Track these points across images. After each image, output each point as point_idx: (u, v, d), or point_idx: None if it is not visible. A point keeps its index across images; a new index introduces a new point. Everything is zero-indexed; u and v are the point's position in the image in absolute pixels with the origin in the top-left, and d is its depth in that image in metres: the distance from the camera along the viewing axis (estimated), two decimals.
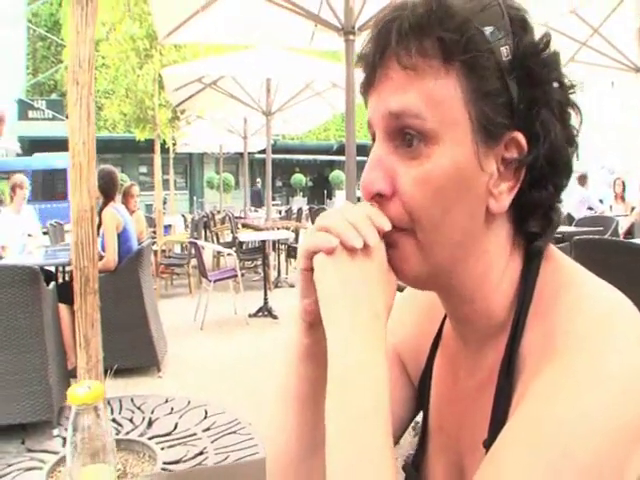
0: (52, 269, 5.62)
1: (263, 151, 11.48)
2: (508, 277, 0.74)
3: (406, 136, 0.69)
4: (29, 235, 6.31)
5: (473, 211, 0.70)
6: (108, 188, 5.00)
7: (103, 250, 4.73)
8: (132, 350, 4.82)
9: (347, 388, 0.65)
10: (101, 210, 4.88)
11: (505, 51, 0.67)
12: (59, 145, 26.97)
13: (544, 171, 0.70)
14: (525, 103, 0.68)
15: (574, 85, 0.73)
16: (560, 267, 0.73)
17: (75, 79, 2.71)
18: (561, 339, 0.64)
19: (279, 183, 36.20)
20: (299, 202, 26.24)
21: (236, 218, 11.44)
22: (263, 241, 7.95)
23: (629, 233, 8.08)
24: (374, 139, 0.75)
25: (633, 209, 9.05)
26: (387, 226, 0.69)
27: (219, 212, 15.20)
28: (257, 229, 9.34)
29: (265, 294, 7.32)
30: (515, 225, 0.74)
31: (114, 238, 4.90)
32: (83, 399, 0.77)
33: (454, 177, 0.68)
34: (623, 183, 10.56)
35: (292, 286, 9.35)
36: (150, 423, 4.03)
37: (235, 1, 5.57)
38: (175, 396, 4.49)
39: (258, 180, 27.88)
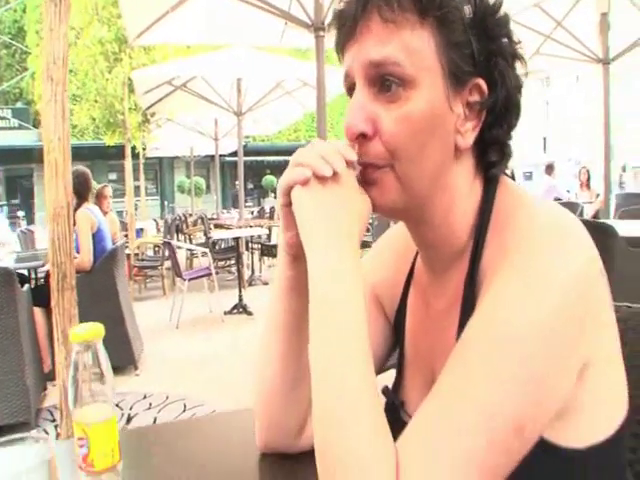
0: (25, 273, 5.60)
1: (234, 154, 11.45)
2: (470, 203, 0.84)
3: (385, 82, 0.78)
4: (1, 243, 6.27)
5: (444, 146, 0.80)
6: (82, 189, 5.00)
7: (78, 251, 4.73)
8: (109, 349, 4.73)
9: (327, 295, 0.74)
10: (74, 211, 4.88)
11: (468, 10, 0.78)
12: (25, 154, 26.63)
13: (501, 113, 0.82)
14: (484, 55, 0.79)
15: (520, 41, 0.83)
16: (513, 192, 0.84)
17: (49, 76, 2.74)
18: (514, 245, 0.73)
19: (251, 185, 36.04)
20: (271, 203, 26.19)
21: (209, 220, 11.43)
22: (236, 240, 7.97)
23: (594, 219, 8.24)
24: (350, 90, 0.84)
25: (598, 196, 9.24)
26: (352, 156, 0.79)
27: (191, 215, 15.14)
28: (230, 229, 9.35)
29: (240, 291, 7.36)
30: (477, 159, 0.85)
31: (89, 238, 4.91)
32: (84, 336, 0.83)
33: (429, 116, 0.78)
34: (588, 172, 10.72)
35: (266, 284, 9.39)
36: (129, 419, 4.04)
37: (205, 1, 5.60)
38: (153, 392, 4.52)
39: (237, 182, 27.77)
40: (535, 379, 0.67)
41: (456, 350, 0.72)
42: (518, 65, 0.83)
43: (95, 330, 0.85)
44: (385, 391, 0.98)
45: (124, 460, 0.91)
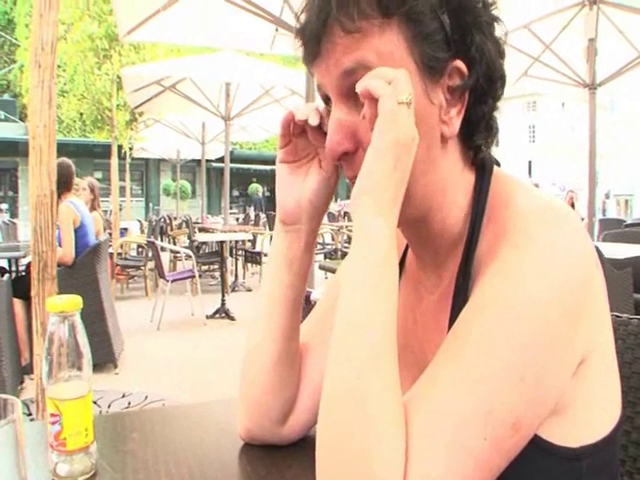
0: (5, 266, 5.52)
1: (220, 159, 11.45)
2: (461, 192, 0.81)
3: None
4: None
5: (430, 141, 0.76)
6: (65, 181, 4.93)
7: (60, 245, 4.66)
8: (88, 345, 4.71)
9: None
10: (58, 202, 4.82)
11: None
12: (10, 147, 26.50)
13: (483, 88, 0.77)
14: (459, 32, 0.74)
15: (495, 2, 0.79)
16: (507, 180, 0.81)
17: (37, 61, 2.69)
18: (511, 231, 0.71)
19: (236, 193, 36.07)
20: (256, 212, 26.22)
21: (194, 224, 11.37)
22: (221, 244, 7.92)
23: None
24: (326, 101, 0.81)
25: (582, 220, 9.32)
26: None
27: (176, 218, 15.07)
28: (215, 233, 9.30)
29: (223, 296, 7.30)
30: (463, 143, 0.81)
31: (71, 233, 4.83)
32: (61, 307, 0.79)
33: None
34: (572, 197, 10.84)
35: (249, 290, 9.33)
36: None
37: (197, 2, 5.58)
38: (132, 391, 4.45)
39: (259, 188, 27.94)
40: (533, 371, 0.64)
41: (450, 339, 0.69)
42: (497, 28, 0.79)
43: (73, 301, 0.81)
44: None
45: (98, 444, 0.87)
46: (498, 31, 0.79)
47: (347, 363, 0.67)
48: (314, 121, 0.83)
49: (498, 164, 0.84)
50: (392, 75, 0.70)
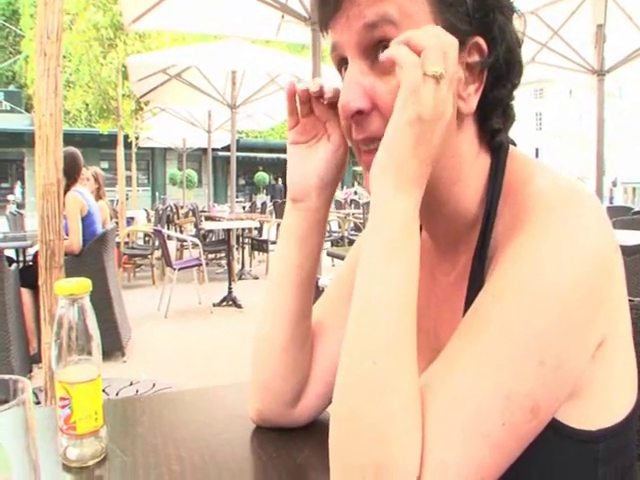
0: (13, 255, 5.53)
1: (226, 148, 11.42)
2: (476, 174, 0.79)
3: (380, 48, 0.72)
4: None
5: None
6: (71, 170, 4.92)
7: (67, 234, 4.67)
8: None
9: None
10: (65, 192, 4.82)
11: None
12: (16, 138, 26.51)
13: (502, 71, 0.76)
14: (481, 11, 0.72)
15: None
16: (524, 161, 0.79)
17: (43, 50, 2.68)
18: (530, 212, 0.69)
19: (242, 181, 36.06)
20: (263, 200, 26.25)
21: (200, 212, 11.38)
22: (227, 232, 7.91)
23: None
24: (340, 65, 0.79)
25: None
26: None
27: (182, 207, 15.08)
28: (221, 221, 9.30)
29: (229, 284, 7.30)
30: (479, 125, 0.79)
31: (78, 222, 4.83)
32: (70, 290, 0.79)
33: None
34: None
35: (256, 278, 9.32)
36: None
37: None
38: (140, 379, 4.47)
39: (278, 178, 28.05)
40: (552, 355, 0.63)
41: (467, 322, 0.68)
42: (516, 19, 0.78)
43: (82, 284, 0.80)
44: None
45: (107, 428, 0.87)
46: (517, 24, 0.78)
47: (363, 348, 0.66)
48: (315, 87, 0.84)
49: (514, 144, 0.82)
50: (425, 43, 0.67)
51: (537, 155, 48.13)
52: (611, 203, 33.41)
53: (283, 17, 5.86)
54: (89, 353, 0.81)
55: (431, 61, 0.66)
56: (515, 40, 0.77)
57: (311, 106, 0.87)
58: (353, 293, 0.69)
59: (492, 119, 0.78)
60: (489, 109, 0.77)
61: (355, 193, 22.20)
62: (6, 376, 0.53)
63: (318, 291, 1.05)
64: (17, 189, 22.56)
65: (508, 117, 0.80)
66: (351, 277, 0.72)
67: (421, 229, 0.92)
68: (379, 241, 0.68)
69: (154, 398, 1.34)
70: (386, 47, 0.70)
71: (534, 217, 0.68)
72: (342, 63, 0.78)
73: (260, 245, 10.20)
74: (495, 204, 0.76)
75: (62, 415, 0.81)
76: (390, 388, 0.63)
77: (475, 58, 0.74)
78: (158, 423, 1.00)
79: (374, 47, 0.73)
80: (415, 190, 0.69)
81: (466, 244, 0.80)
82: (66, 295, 0.79)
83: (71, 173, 4.89)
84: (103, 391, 0.81)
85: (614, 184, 42.15)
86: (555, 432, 0.68)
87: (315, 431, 0.96)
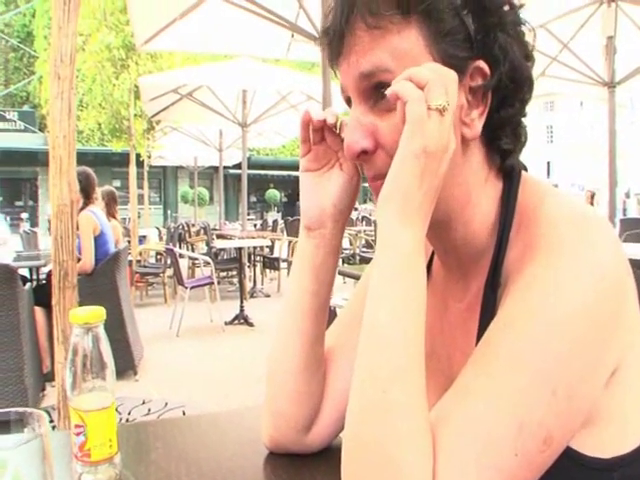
0: (27, 274, 5.57)
1: (238, 166, 11.50)
2: (486, 200, 0.79)
3: (379, 91, 0.73)
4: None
5: None
6: (89, 188, 4.97)
7: (80, 253, 4.70)
8: None
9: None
10: (81, 210, 4.85)
11: None
12: (30, 157, 26.73)
13: (508, 90, 0.75)
14: (482, 32, 0.73)
15: (522, 5, 0.78)
16: (536, 187, 0.78)
17: (57, 73, 2.72)
18: (542, 241, 0.69)
19: (253, 199, 36.18)
20: (274, 217, 26.31)
21: (212, 230, 11.42)
22: (239, 250, 7.94)
23: None
24: (349, 103, 0.80)
25: None
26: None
27: (194, 225, 15.14)
28: (233, 239, 9.33)
29: (241, 302, 7.31)
30: (488, 147, 0.79)
31: (91, 241, 4.87)
32: (85, 318, 0.79)
33: None
34: (592, 196, 10.75)
35: (268, 296, 9.34)
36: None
37: (213, 10, 5.61)
38: (152, 398, 4.46)
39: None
40: (565, 384, 0.63)
41: (479, 352, 0.68)
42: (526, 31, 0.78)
43: (96, 313, 0.81)
44: None
45: (121, 454, 0.87)
46: (527, 36, 0.78)
47: (373, 377, 0.66)
48: (331, 119, 0.84)
49: (526, 169, 0.82)
50: (427, 78, 0.68)
51: (549, 168, 48.03)
52: (624, 215, 33.19)
53: (293, 36, 5.90)
54: (103, 380, 0.81)
55: (434, 95, 0.67)
56: (521, 56, 0.76)
57: (323, 135, 0.88)
58: (362, 322, 0.70)
59: (501, 140, 0.78)
60: (496, 130, 0.77)
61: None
62: (24, 409, 0.54)
63: (330, 311, 1.05)
64: (24, 216, 22.76)
65: (518, 137, 0.79)
66: (362, 302, 0.72)
67: (434, 253, 0.93)
68: (385, 270, 0.69)
69: (167, 422, 1.33)
70: (384, 91, 0.72)
71: (545, 246, 0.68)
72: (349, 101, 0.80)
73: (272, 263, 10.22)
74: (507, 232, 0.76)
75: (77, 442, 0.81)
76: (400, 416, 0.64)
77: (478, 82, 0.74)
78: (172, 448, 1.00)
79: (373, 90, 0.74)
80: (420, 220, 0.70)
81: (478, 270, 0.80)
82: (81, 324, 0.79)
83: (89, 191, 4.94)
84: (115, 410, 0.81)
85: (627, 195, 41.93)
86: (569, 459, 0.68)
87: (328, 457, 0.95)
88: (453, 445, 0.63)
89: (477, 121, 0.75)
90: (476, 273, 0.80)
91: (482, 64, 0.73)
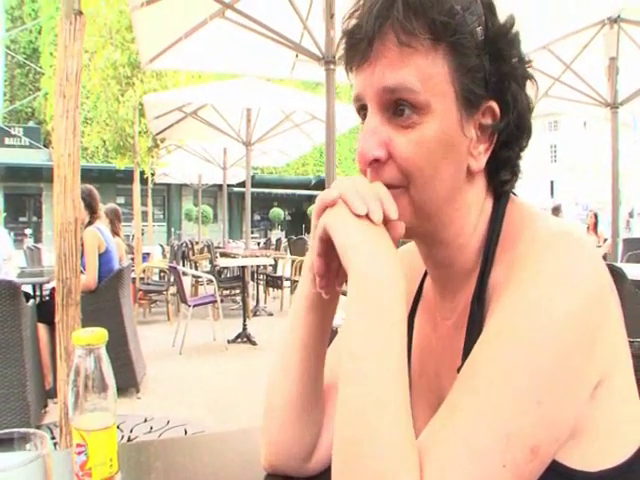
0: (30, 291, 5.58)
1: (242, 184, 11.51)
2: (480, 222, 0.83)
3: (399, 107, 0.77)
4: (4, 259, 6.25)
5: (457, 169, 0.79)
6: (94, 204, 5.00)
7: (84, 269, 4.71)
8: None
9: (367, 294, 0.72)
10: (87, 226, 4.87)
11: (480, 32, 0.76)
12: (35, 173, 26.85)
13: (512, 134, 0.81)
14: (496, 77, 0.78)
15: (530, 60, 0.83)
16: (521, 208, 0.83)
17: (62, 92, 2.75)
18: (524, 259, 0.72)
19: (257, 217, 36.28)
20: (278, 236, 26.33)
21: (215, 248, 11.44)
22: (242, 269, 7.94)
23: None
24: (361, 111, 0.83)
25: (606, 240, 9.24)
26: (393, 214, 0.75)
27: (197, 243, 15.14)
28: (236, 258, 9.34)
29: (244, 320, 7.30)
30: (488, 179, 0.84)
31: (95, 258, 4.88)
32: (87, 340, 0.80)
33: (442, 141, 0.76)
34: (596, 215, 10.74)
35: (271, 314, 9.33)
36: (129, 442, 3.98)
37: (218, 30, 5.66)
38: (154, 416, 4.45)
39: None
40: (550, 394, 0.65)
41: (466, 369, 0.70)
42: (529, 85, 0.83)
43: (98, 335, 0.82)
44: None
45: (122, 473, 0.87)
46: (530, 91, 0.83)
47: (354, 404, 0.67)
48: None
49: (514, 193, 0.87)
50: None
51: (552, 187, 48.11)
52: (628, 234, 33.12)
53: (297, 56, 5.95)
54: (105, 400, 0.82)
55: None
56: (526, 106, 0.81)
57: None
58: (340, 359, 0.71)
59: (500, 174, 0.83)
60: (497, 167, 0.83)
61: None
62: (26, 430, 0.54)
63: (332, 332, 1.05)
64: (28, 232, 22.85)
65: (515, 174, 0.85)
66: None
67: (426, 273, 0.95)
68: (358, 296, 0.72)
69: (168, 442, 1.33)
70: (404, 108, 0.76)
71: (527, 264, 0.71)
72: (362, 109, 0.82)
73: (275, 281, 10.22)
74: (493, 250, 0.80)
75: (78, 461, 0.81)
76: (384, 440, 0.65)
77: (488, 121, 0.80)
78: (172, 469, 1.01)
79: (393, 104, 0.77)
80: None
81: (465, 287, 0.83)
82: (83, 345, 0.80)
83: (94, 207, 4.96)
84: (117, 427, 0.82)
85: (631, 215, 41.98)
86: (555, 473, 0.69)
87: (328, 478, 0.95)
88: (441, 459, 0.64)
89: (482, 155, 0.80)
90: (464, 290, 0.84)
91: (494, 105, 0.79)
